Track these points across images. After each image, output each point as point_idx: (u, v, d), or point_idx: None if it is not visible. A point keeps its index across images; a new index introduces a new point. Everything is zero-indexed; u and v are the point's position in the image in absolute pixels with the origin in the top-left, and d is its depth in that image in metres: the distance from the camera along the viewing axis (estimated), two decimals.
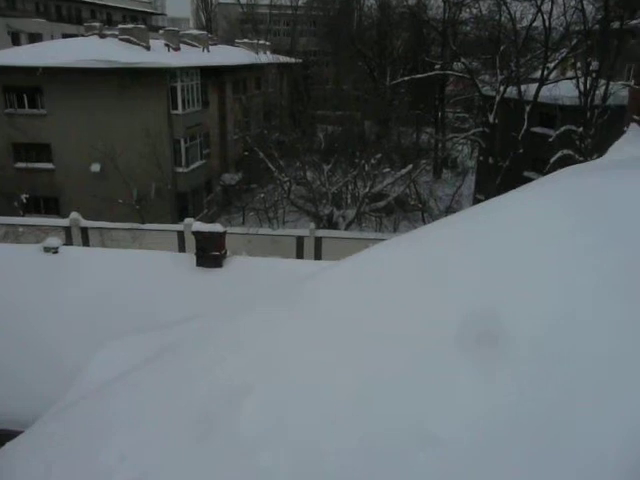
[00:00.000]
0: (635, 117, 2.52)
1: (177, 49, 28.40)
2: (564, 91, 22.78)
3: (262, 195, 21.91)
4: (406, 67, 36.36)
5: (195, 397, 2.10)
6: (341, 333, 2.00)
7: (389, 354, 1.82)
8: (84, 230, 16.82)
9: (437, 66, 31.74)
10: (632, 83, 2.61)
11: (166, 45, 27.97)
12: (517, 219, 2.05)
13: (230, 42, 42.47)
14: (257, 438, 1.81)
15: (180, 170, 26.34)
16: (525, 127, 23.94)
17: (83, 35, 30.89)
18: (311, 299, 2.39)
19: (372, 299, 2.07)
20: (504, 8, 25.97)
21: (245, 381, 2.02)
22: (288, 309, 2.39)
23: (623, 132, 2.62)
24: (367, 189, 19.85)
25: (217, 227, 11.24)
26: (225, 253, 11.14)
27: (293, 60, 38.33)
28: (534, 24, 25.77)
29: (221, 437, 1.90)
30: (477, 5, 28.34)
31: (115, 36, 27.06)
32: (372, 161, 20.44)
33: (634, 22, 20.99)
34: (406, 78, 31.01)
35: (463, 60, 28.36)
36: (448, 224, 2.57)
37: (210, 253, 10.84)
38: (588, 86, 22.27)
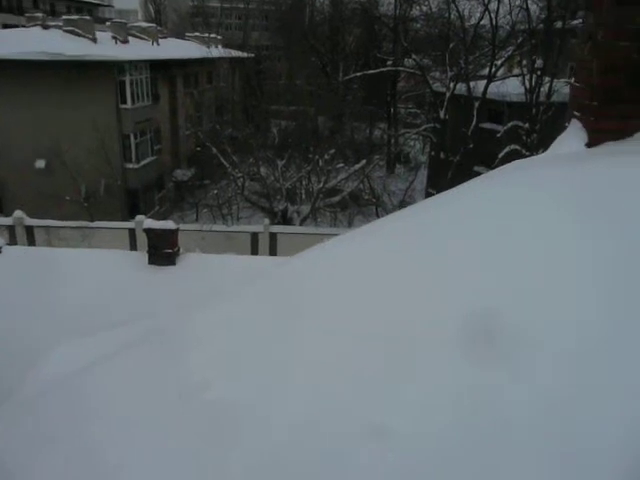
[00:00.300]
0: (575, 113, 2.63)
1: (125, 42, 27.64)
2: (511, 88, 23.46)
3: (215, 191, 21.61)
4: (358, 63, 36.57)
5: (155, 392, 2.08)
6: (296, 330, 2.01)
7: (345, 350, 1.84)
8: (29, 229, 16.17)
9: (389, 62, 32.10)
10: (572, 81, 2.72)
11: (113, 38, 27.18)
12: (471, 210, 2.10)
13: (180, 35, 41.64)
14: (210, 435, 1.80)
15: (130, 166, 25.69)
16: (474, 123, 24.53)
17: (24, 26, 29.62)
18: (267, 296, 2.39)
19: (328, 295, 2.08)
20: (453, 6, 26.51)
21: (204, 377, 2.01)
22: (245, 306, 2.38)
23: (565, 127, 2.73)
24: (321, 184, 19.88)
25: (169, 224, 11.05)
26: (178, 250, 10.97)
27: (245, 54, 37.94)
28: (482, 22, 26.47)
29: (177, 434, 1.88)
30: (427, 2, 28.84)
31: (59, 27, 26.08)
32: (326, 156, 20.48)
33: (575, 22, 21.82)
34: (358, 74, 31.22)
35: (414, 57, 28.80)
36: (402, 217, 2.62)
37: (162, 251, 10.65)
38: (533, 83, 23.03)
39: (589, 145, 2.47)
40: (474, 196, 2.22)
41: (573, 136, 2.55)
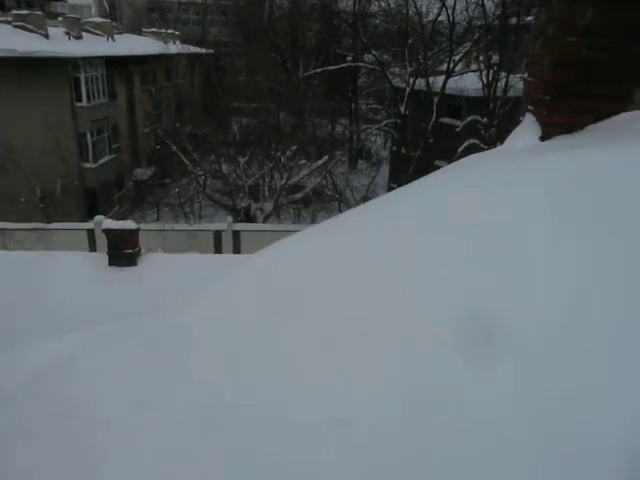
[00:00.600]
0: (529, 107, 2.69)
1: (79, 38, 26.89)
2: (469, 83, 23.87)
3: (177, 190, 21.32)
4: (318, 59, 36.55)
5: (144, 390, 2.05)
6: (274, 328, 2.01)
7: (311, 345, 1.84)
8: None
9: (349, 58, 32.19)
10: (526, 75, 2.79)
11: (66, 33, 26.39)
12: (431, 202, 2.12)
13: (136, 31, 40.77)
14: (203, 432, 1.79)
15: (87, 165, 25.09)
16: (434, 118, 24.87)
17: None
18: (232, 295, 2.37)
19: (299, 291, 2.08)
20: (411, 2, 26.78)
21: (204, 377, 1.99)
22: (225, 306, 2.36)
23: (520, 121, 2.79)
24: (284, 181, 19.84)
25: (129, 224, 10.85)
26: (139, 251, 10.76)
27: (204, 51, 37.43)
28: (439, 18, 26.83)
29: (170, 432, 1.86)
30: None
31: (8, 23, 25.15)
32: (288, 153, 20.44)
33: (529, 19, 22.34)
34: (319, 70, 31.22)
35: (374, 52, 28.98)
36: (360, 212, 2.63)
37: (123, 251, 10.43)
38: (490, 78, 23.49)
39: (543, 138, 2.53)
40: (434, 189, 2.26)
41: (527, 130, 2.61)
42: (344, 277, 1.95)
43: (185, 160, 20.90)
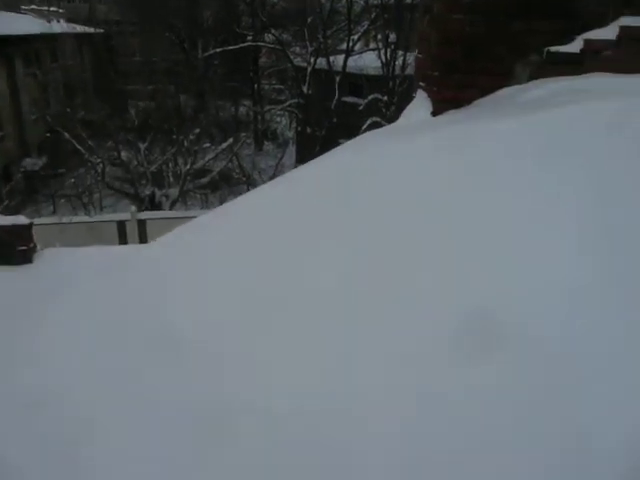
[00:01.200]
0: (421, 84, 2.75)
1: None
2: (369, 62, 24.27)
3: (73, 180, 20.09)
4: (217, 39, 35.51)
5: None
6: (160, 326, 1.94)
7: (217, 339, 1.81)
8: None
9: (249, 38, 31.56)
10: (416, 52, 2.85)
11: None
12: (321, 182, 2.13)
13: (14, 8, 37.47)
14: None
15: None
16: (337, 97, 25.08)
17: None
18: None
19: (192, 283, 2.02)
20: None
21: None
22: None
23: (413, 97, 2.86)
24: (188, 166, 19.27)
25: (20, 219, 10.03)
26: (34, 247, 10.05)
27: (93, 30, 35.19)
28: None
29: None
30: None
31: None
32: (191, 136, 19.84)
33: None
34: (218, 50, 30.39)
35: (273, 32, 28.61)
36: (255, 194, 2.61)
37: (16, 249, 9.69)
38: (388, 57, 24.01)
39: (434, 114, 2.61)
40: (330, 165, 2.27)
41: (420, 106, 2.69)
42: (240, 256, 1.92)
43: (80, 148, 19.71)
